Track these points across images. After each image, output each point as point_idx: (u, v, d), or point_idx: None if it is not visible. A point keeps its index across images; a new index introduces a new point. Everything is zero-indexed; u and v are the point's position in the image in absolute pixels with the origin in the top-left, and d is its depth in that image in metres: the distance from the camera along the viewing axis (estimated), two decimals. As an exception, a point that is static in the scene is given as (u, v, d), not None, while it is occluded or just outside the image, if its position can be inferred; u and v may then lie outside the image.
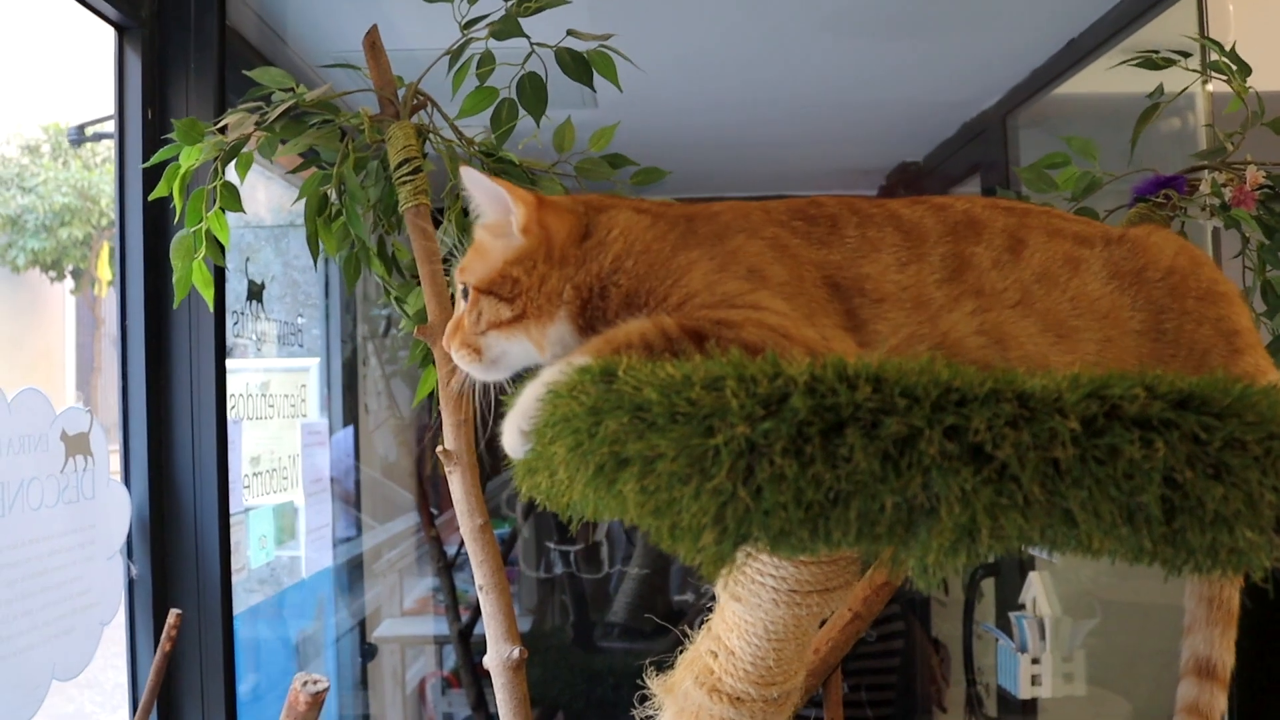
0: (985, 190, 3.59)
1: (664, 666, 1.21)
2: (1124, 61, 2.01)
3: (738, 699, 1.12)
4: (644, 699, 1.22)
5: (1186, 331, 1.15)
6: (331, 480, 3.36)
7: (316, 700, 1.09)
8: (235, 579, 2.58)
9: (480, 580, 1.66)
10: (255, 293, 2.86)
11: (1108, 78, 2.83)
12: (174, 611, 1.47)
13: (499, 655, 1.64)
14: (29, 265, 8.98)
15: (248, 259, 2.89)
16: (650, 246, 1.07)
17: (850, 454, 0.74)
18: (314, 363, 3.40)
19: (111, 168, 2.28)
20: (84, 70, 2.32)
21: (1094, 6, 2.79)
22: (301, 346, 3.34)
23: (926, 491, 0.74)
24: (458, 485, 1.67)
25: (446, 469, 1.69)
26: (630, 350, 0.94)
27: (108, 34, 2.23)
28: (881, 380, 0.76)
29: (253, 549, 2.77)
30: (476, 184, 1.13)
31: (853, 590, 1.08)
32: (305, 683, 1.09)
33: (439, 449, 1.68)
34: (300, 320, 3.37)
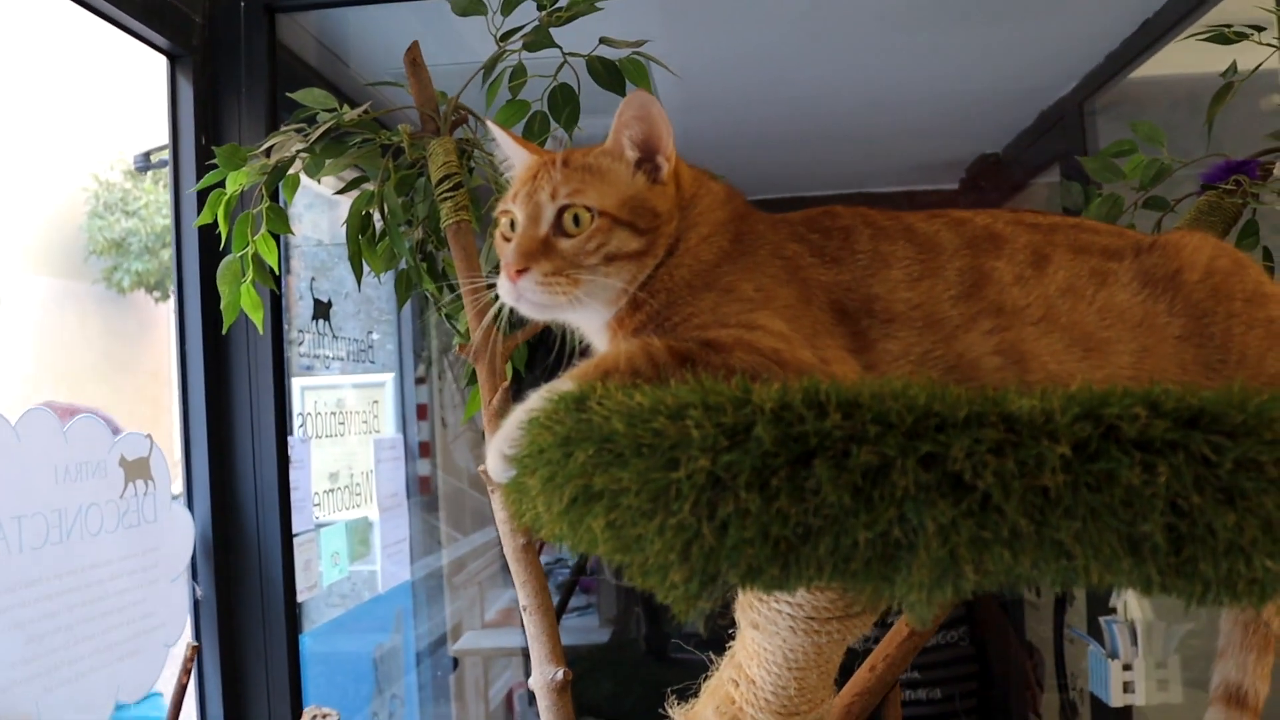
0: (1064, 180, 3.48)
1: (687, 694, 1.17)
2: (1192, 35, 1.90)
3: (759, 730, 1.07)
4: (668, 728, 1.18)
5: (1236, 335, 1.07)
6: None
7: (328, 734, 1.07)
8: (308, 596, 2.59)
9: (524, 601, 1.63)
10: (322, 311, 2.88)
11: (1186, 58, 2.71)
12: (189, 644, 1.47)
13: (544, 677, 1.60)
14: (134, 286, 9.20)
15: (313, 277, 2.90)
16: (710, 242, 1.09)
17: (818, 487, 0.69)
18: (388, 378, 3.41)
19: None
20: (157, 96, 2.34)
21: (1168, -17, 2.68)
22: (374, 363, 3.36)
23: (902, 526, 0.69)
24: (499, 506, 1.65)
25: (488, 489, 1.66)
26: (616, 376, 0.90)
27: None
28: (854, 406, 0.71)
29: (325, 565, 2.78)
30: (643, 109, 1.12)
31: (876, 616, 1.02)
32: (315, 716, 1.07)
33: (480, 469, 1.66)
34: (373, 336, 3.38)
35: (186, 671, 1.47)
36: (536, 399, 0.91)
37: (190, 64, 2.24)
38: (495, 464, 0.95)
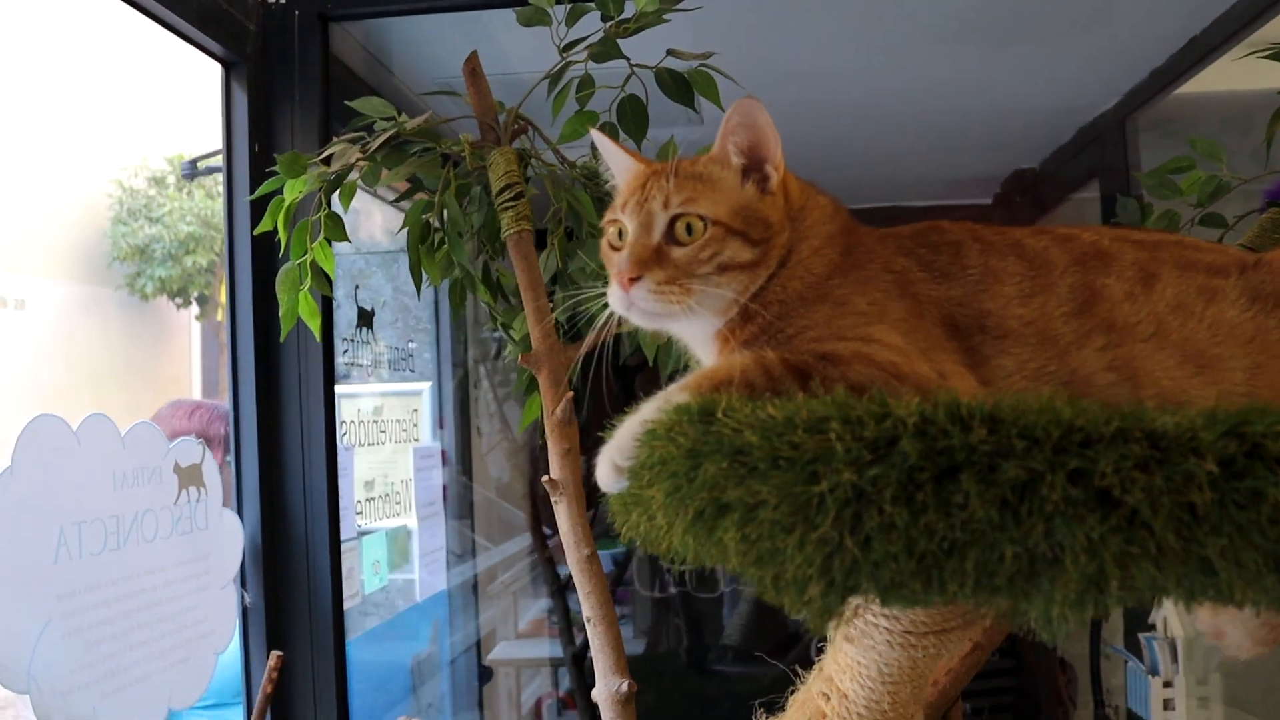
0: (1104, 197, 3.47)
1: (774, 707, 1.17)
2: (1251, 53, 1.90)
3: (851, 745, 1.07)
4: (754, 740, 1.18)
5: None
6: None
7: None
8: (350, 604, 2.59)
9: (588, 612, 1.63)
10: (365, 319, 2.88)
11: (1234, 75, 2.70)
12: (275, 654, 1.47)
13: (608, 688, 1.61)
14: (157, 293, 9.23)
15: (357, 285, 2.91)
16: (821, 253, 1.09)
17: (965, 501, 0.69)
18: (425, 387, 3.41)
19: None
20: (201, 104, 2.35)
21: (1216, 1, 2.67)
22: (413, 371, 3.36)
23: (1049, 540, 0.69)
24: (564, 515, 1.65)
25: (553, 499, 1.66)
26: (731, 388, 0.90)
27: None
28: (998, 420, 0.71)
29: (366, 574, 2.78)
30: (749, 115, 1.13)
31: (971, 629, 1.02)
32: (408, 727, 1.07)
33: (544, 479, 1.66)
34: (411, 345, 3.39)
35: (271, 680, 1.47)
36: (651, 409, 0.91)
37: (245, 71, 2.24)
38: (607, 475, 0.95)
